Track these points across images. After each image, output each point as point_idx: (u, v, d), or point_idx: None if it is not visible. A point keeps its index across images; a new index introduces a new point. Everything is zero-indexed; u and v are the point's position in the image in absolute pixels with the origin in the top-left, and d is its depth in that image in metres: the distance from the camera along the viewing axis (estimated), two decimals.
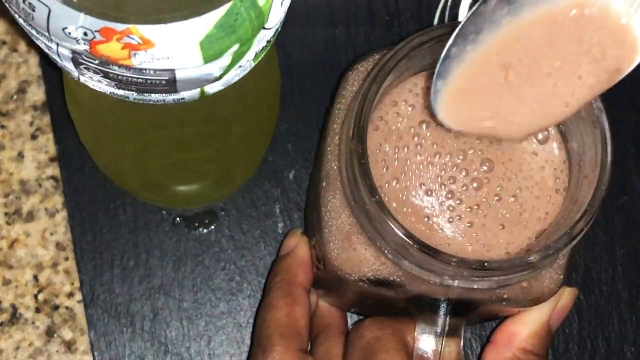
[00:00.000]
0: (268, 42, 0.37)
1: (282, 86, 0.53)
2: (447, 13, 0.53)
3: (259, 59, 0.38)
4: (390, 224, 0.38)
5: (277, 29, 0.37)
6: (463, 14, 0.53)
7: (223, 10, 0.33)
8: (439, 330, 0.42)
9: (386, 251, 0.40)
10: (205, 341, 0.53)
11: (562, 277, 0.43)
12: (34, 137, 0.55)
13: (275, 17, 0.36)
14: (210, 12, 0.33)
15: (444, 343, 0.42)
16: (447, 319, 0.41)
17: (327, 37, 0.57)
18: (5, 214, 0.54)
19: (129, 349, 0.53)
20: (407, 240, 0.38)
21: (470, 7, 0.53)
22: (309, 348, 0.48)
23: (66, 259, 0.54)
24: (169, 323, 0.53)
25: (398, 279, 0.41)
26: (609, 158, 0.40)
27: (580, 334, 0.54)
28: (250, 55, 0.37)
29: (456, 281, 0.39)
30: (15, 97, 0.56)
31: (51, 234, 0.54)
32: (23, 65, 0.56)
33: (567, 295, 0.46)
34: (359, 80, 0.44)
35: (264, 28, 0.36)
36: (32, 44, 0.56)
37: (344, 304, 0.50)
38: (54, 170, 0.55)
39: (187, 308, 0.53)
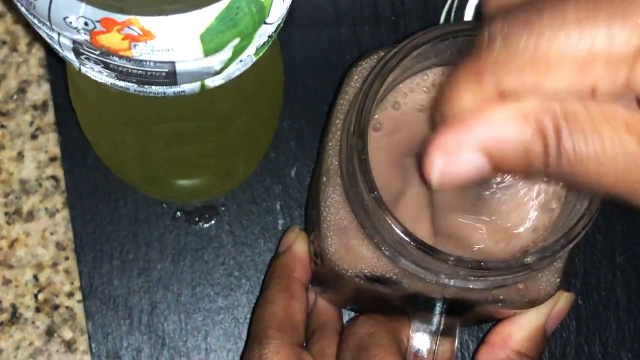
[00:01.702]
0: (269, 37, 0.37)
1: (286, 83, 0.53)
2: (453, 14, 0.53)
3: (260, 54, 0.38)
4: (388, 220, 0.38)
5: (279, 24, 0.37)
6: (469, 15, 0.53)
7: (224, 3, 0.33)
8: (433, 329, 0.41)
9: (384, 248, 0.40)
10: (203, 335, 0.53)
11: (559, 280, 0.42)
12: (34, 137, 0.55)
13: (277, 13, 0.36)
14: (211, 5, 0.33)
15: (438, 342, 0.42)
16: (443, 318, 0.41)
17: (332, 36, 0.57)
18: (5, 213, 0.54)
19: (126, 341, 0.53)
20: (405, 237, 0.38)
21: (477, 9, 0.53)
22: (304, 344, 0.48)
23: (66, 258, 0.54)
24: (167, 317, 0.53)
25: (395, 277, 0.41)
26: None
27: (577, 339, 0.54)
28: (251, 49, 0.37)
29: (452, 280, 0.39)
30: (15, 97, 0.56)
31: (51, 233, 0.54)
32: (23, 65, 0.56)
33: (564, 300, 0.46)
34: (363, 77, 0.44)
35: (265, 23, 0.36)
36: (32, 44, 0.56)
37: (340, 300, 0.50)
38: (54, 170, 0.55)
39: (185, 302, 0.54)
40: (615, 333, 0.54)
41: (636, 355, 0.54)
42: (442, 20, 0.55)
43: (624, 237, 0.55)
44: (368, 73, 0.42)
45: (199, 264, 0.54)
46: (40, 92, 0.56)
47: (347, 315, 0.53)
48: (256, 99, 0.47)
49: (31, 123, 0.56)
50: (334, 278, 0.44)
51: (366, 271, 0.42)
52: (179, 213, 0.54)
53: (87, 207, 0.54)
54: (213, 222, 0.54)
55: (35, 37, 0.42)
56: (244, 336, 0.53)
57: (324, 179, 0.43)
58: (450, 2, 0.54)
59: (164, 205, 0.54)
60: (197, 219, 0.54)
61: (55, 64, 0.56)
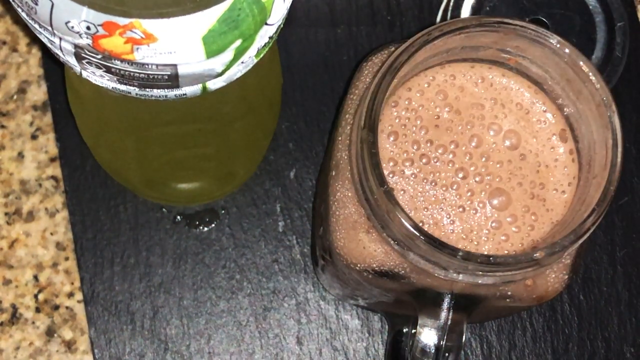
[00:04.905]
0: (270, 38, 0.37)
1: (284, 85, 0.53)
2: (449, 14, 0.53)
3: (261, 55, 0.38)
4: (398, 214, 0.38)
5: (280, 25, 0.38)
6: (466, 14, 0.53)
7: (226, 5, 0.33)
8: (441, 324, 0.41)
9: (392, 242, 0.40)
10: (205, 339, 0.53)
11: (567, 277, 0.43)
12: (34, 137, 0.55)
13: (278, 14, 0.36)
14: (213, 6, 0.33)
15: (445, 337, 0.42)
16: (450, 313, 0.41)
17: (328, 37, 0.57)
18: (6, 214, 0.54)
19: (129, 346, 0.53)
20: (414, 231, 0.38)
21: (473, 8, 0.53)
22: None
23: (66, 258, 0.54)
24: (169, 321, 0.53)
25: (403, 271, 0.41)
26: (619, 158, 0.40)
27: (580, 334, 0.54)
28: (252, 51, 0.37)
29: (461, 275, 0.39)
30: (15, 97, 0.56)
31: (51, 234, 0.54)
32: (23, 65, 0.56)
33: None
34: (373, 72, 0.44)
35: (267, 24, 0.36)
36: (32, 44, 0.56)
37: (348, 295, 0.50)
38: (54, 170, 0.55)
39: (187, 306, 0.53)
40: (618, 328, 0.54)
41: (639, 350, 0.54)
42: (438, 19, 0.56)
43: (624, 232, 0.55)
44: (379, 67, 0.42)
45: (200, 268, 0.54)
46: (40, 92, 0.56)
47: (353, 310, 0.53)
48: (256, 101, 0.47)
49: (31, 123, 0.56)
50: (342, 273, 0.44)
51: (375, 265, 0.42)
52: (179, 217, 0.54)
53: (86, 213, 0.54)
54: (213, 225, 0.54)
55: (35, 38, 0.42)
56: (247, 339, 0.53)
57: (333, 173, 0.43)
58: (446, 1, 0.54)
59: (164, 209, 0.54)
60: (197, 222, 0.54)
61: (52, 70, 0.56)
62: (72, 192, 0.54)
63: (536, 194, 0.43)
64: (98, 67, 0.36)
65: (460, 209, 0.42)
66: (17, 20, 0.57)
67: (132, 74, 0.36)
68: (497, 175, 0.43)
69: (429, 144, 0.43)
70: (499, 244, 0.42)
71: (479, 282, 0.39)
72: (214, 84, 0.38)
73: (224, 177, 0.53)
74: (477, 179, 0.43)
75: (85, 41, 0.34)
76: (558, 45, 0.41)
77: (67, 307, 0.53)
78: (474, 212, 0.42)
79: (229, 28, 0.34)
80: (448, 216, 0.42)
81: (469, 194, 0.42)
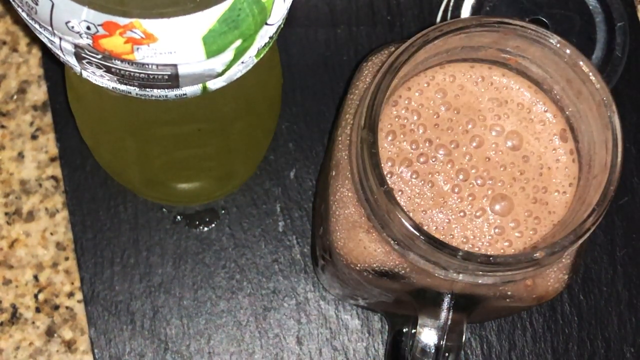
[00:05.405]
0: (270, 38, 0.37)
1: (284, 85, 0.53)
2: (449, 14, 0.53)
3: (261, 55, 0.38)
4: (398, 214, 0.38)
5: (280, 25, 0.38)
6: (466, 15, 0.53)
7: (226, 5, 0.33)
8: (441, 324, 0.41)
9: (392, 242, 0.40)
10: (205, 339, 0.53)
11: (567, 277, 0.43)
12: (34, 137, 0.55)
13: (278, 14, 0.36)
14: (214, 6, 0.33)
15: (445, 337, 0.42)
16: (450, 313, 0.41)
17: (328, 37, 0.57)
18: (6, 214, 0.54)
19: (129, 346, 0.53)
20: (414, 231, 0.38)
21: (473, 8, 0.53)
22: None
23: (66, 258, 0.54)
24: (169, 321, 0.53)
25: (403, 271, 0.41)
26: (619, 158, 0.40)
27: (580, 334, 0.54)
28: (252, 51, 0.37)
29: (461, 275, 0.39)
30: (15, 97, 0.56)
31: (51, 234, 0.54)
32: (23, 65, 0.56)
33: None
34: (373, 72, 0.44)
35: (267, 24, 0.36)
36: (32, 44, 0.56)
37: (348, 294, 0.50)
38: (54, 170, 0.55)
39: (187, 306, 0.53)
40: (617, 328, 0.54)
41: (639, 350, 0.54)
42: (438, 20, 0.56)
43: (624, 232, 0.55)
44: (379, 67, 0.42)
45: (200, 268, 0.54)
46: (40, 92, 0.56)
47: (353, 310, 0.53)
48: (256, 100, 0.47)
49: (31, 123, 0.56)
50: (342, 272, 0.44)
51: (375, 265, 0.42)
52: (179, 217, 0.54)
53: (87, 213, 0.54)
54: (213, 225, 0.54)
55: (35, 38, 0.42)
56: (247, 339, 0.53)
57: (333, 172, 0.43)
58: (446, 1, 0.54)
59: (164, 209, 0.54)
60: (197, 222, 0.54)
61: (52, 70, 0.56)
62: (72, 192, 0.54)
63: (539, 197, 0.42)
64: (98, 67, 0.36)
65: (461, 214, 0.42)
66: (17, 20, 0.57)
67: (132, 74, 0.36)
68: (500, 180, 0.43)
69: (427, 143, 0.43)
70: (501, 250, 0.42)
71: (479, 282, 0.39)
72: (214, 84, 0.38)
73: (224, 177, 0.53)
74: (478, 182, 0.42)
75: (85, 41, 0.34)
76: (558, 45, 0.41)
77: (67, 307, 0.53)
78: (476, 217, 0.42)
79: (229, 28, 0.34)
80: (448, 220, 0.42)
81: (470, 198, 0.42)
